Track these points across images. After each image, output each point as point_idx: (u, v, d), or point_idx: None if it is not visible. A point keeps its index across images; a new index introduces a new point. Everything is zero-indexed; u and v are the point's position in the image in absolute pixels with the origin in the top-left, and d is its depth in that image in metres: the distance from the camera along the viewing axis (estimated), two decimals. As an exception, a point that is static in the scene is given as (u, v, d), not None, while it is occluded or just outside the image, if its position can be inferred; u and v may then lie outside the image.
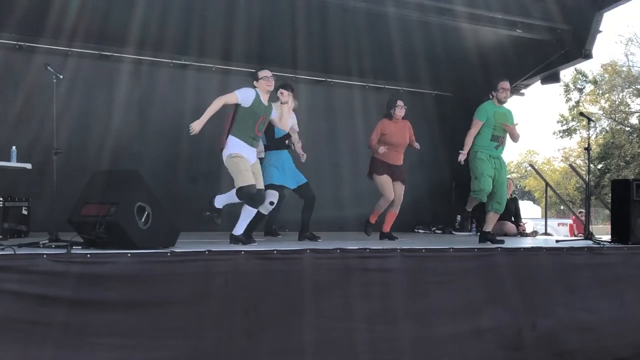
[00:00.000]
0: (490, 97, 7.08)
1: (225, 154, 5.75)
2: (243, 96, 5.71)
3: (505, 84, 7.03)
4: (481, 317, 5.64)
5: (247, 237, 5.94)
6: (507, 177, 7.38)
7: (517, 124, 7.17)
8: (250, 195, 5.65)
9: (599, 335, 6.13)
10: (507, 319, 5.74)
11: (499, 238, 7.07)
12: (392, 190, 7.22)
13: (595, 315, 6.18)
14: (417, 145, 7.43)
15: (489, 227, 7.01)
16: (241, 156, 5.67)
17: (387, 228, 7.38)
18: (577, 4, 8.90)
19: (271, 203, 6.43)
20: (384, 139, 7.30)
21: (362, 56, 9.32)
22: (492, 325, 5.66)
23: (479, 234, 7.20)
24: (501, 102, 7.02)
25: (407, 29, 8.66)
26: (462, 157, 6.79)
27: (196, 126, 5.51)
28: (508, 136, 7.10)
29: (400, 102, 7.40)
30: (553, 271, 6.09)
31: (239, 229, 5.80)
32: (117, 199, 4.70)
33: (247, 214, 5.80)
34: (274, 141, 6.65)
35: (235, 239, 5.77)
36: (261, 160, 6.54)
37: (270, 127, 6.44)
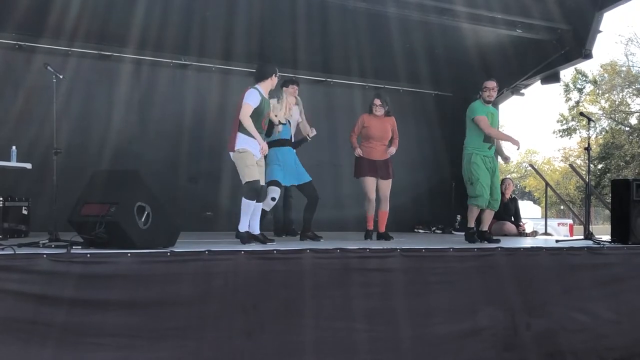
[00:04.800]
0: (478, 96, 7.08)
1: (234, 149, 5.93)
2: (254, 101, 5.90)
3: (490, 83, 7.02)
4: (481, 317, 5.63)
5: (252, 236, 6.05)
6: (507, 177, 7.39)
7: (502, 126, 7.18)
8: (255, 190, 5.82)
9: (603, 334, 6.14)
10: (507, 319, 5.73)
11: (495, 237, 7.08)
12: (375, 192, 7.05)
13: (596, 316, 6.18)
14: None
15: (485, 225, 7.01)
16: (247, 150, 5.85)
17: (382, 228, 7.26)
18: (577, 4, 8.90)
19: (272, 199, 6.43)
20: (365, 132, 7.11)
21: (363, 56, 9.32)
22: (492, 325, 5.66)
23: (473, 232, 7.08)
24: (487, 101, 7.02)
25: (408, 29, 8.66)
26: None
27: (264, 147, 5.94)
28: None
29: (377, 101, 7.16)
30: (554, 271, 6.09)
31: (243, 225, 5.89)
32: (117, 198, 4.70)
33: (246, 207, 5.87)
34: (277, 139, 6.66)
35: (239, 235, 5.88)
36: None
37: (270, 126, 6.50)
